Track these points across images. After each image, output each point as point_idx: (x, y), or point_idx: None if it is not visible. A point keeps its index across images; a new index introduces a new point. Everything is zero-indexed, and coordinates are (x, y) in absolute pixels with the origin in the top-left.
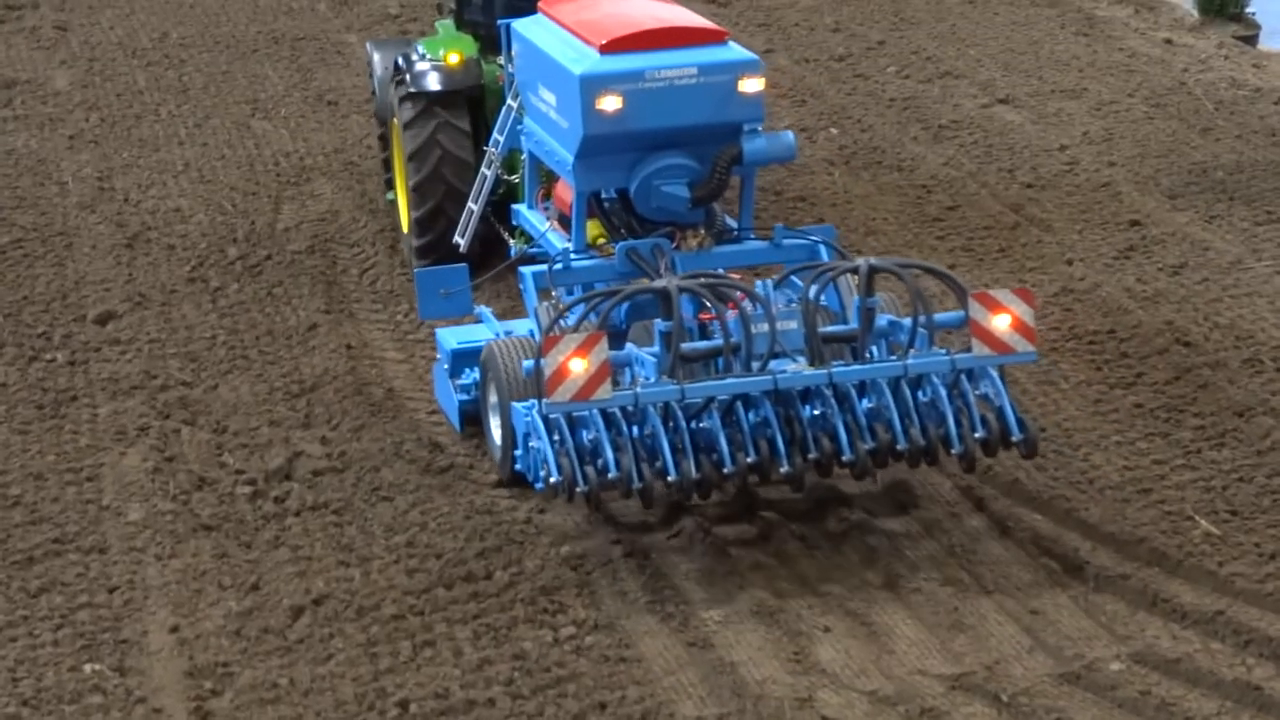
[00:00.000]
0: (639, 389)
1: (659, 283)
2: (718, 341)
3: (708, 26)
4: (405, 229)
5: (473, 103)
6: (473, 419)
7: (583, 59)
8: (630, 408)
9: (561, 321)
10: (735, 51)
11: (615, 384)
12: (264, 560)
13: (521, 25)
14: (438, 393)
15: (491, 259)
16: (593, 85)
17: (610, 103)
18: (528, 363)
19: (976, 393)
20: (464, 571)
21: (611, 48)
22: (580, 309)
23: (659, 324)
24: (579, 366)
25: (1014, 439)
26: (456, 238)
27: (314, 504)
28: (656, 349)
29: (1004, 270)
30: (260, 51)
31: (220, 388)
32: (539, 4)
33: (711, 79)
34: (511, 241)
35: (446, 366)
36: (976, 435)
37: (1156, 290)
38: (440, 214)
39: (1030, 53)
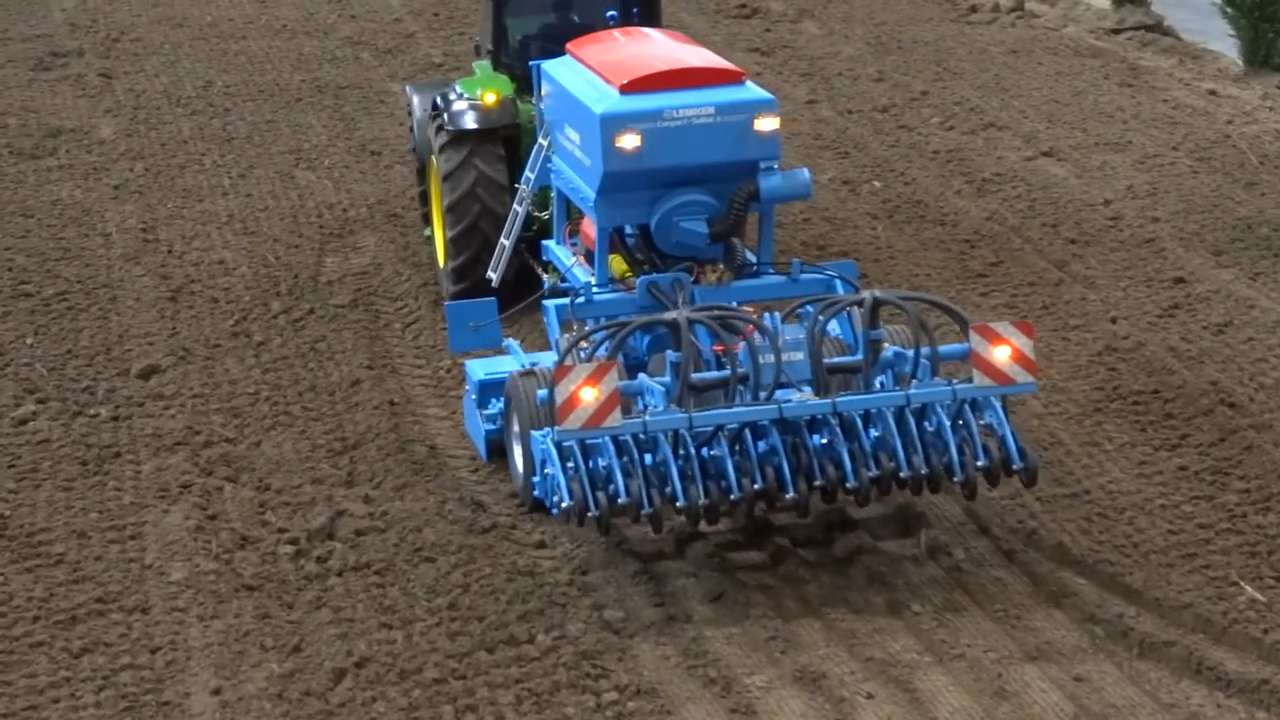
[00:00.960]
0: (648, 417)
1: (669, 314)
2: (725, 372)
3: (725, 67)
4: (441, 263)
5: (509, 142)
6: (499, 449)
7: (603, 99)
8: (640, 435)
9: (580, 353)
10: (751, 91)
11: (626, 412)
12: (306, 621)
13: (550, 66)
14: (466, 423)
15: (526, 294)
16: (612, 124)
17: (629, 141)
18: (541, 392)
19: (981, 423)
20: (506, 635)
21: (631, 88)
22: (597, 340)
23: (670, 354)
24: (589, 395)
25: (1015, 467)
26: (489, 272)
27: (356, 564)
28: (668, 379)
29: (1047, 328)
30: (304, 101)
31: (263, 444)
32: (567, 45)
33: (728, 118)
34: (544, 276)
35: (474, 397)
36: (979, 464)
37: (1201, 349)
38: (477, 264)
39: (1074, 104)
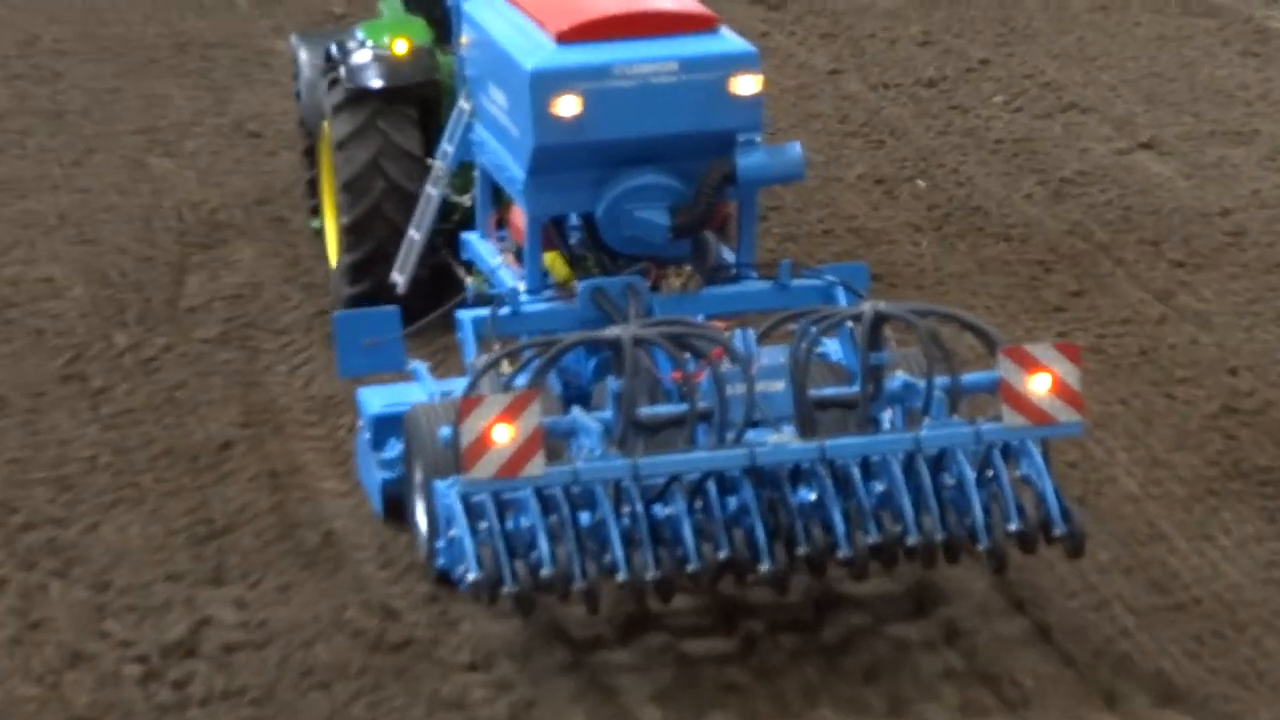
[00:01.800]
0: (580, 464)
1: (610, 331)
2: (682, 407)
3: (694, 11)
4: (333, 263)
5: (426, 105)
6: (400, 504)
7: (536, 50)
8: (572, 487)
9: (499, 380)
10: (727, 42)
11: (555, 458)
12: None
13: (473, 6)
14: (359, 469)
15: (442, 302)
16: (545, 83)
17: (567, 105)
18: (445, 430)
19: (1016, 474)
20: None
21: (572, 36)
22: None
23: (611, 383)
24: (504, 435)
25: (1056, 532)
26: (394, 275)
27: (225, 690)
28: (608, 414)
29: (1145, 380)
30: (161, 62)
31: (102, 527)
32: None
33: (696, 76)
34: (467, 280)
35: (368, 436)
36: (1010, 527)
37: None
38: (379, 258)
39: (1182, 79)
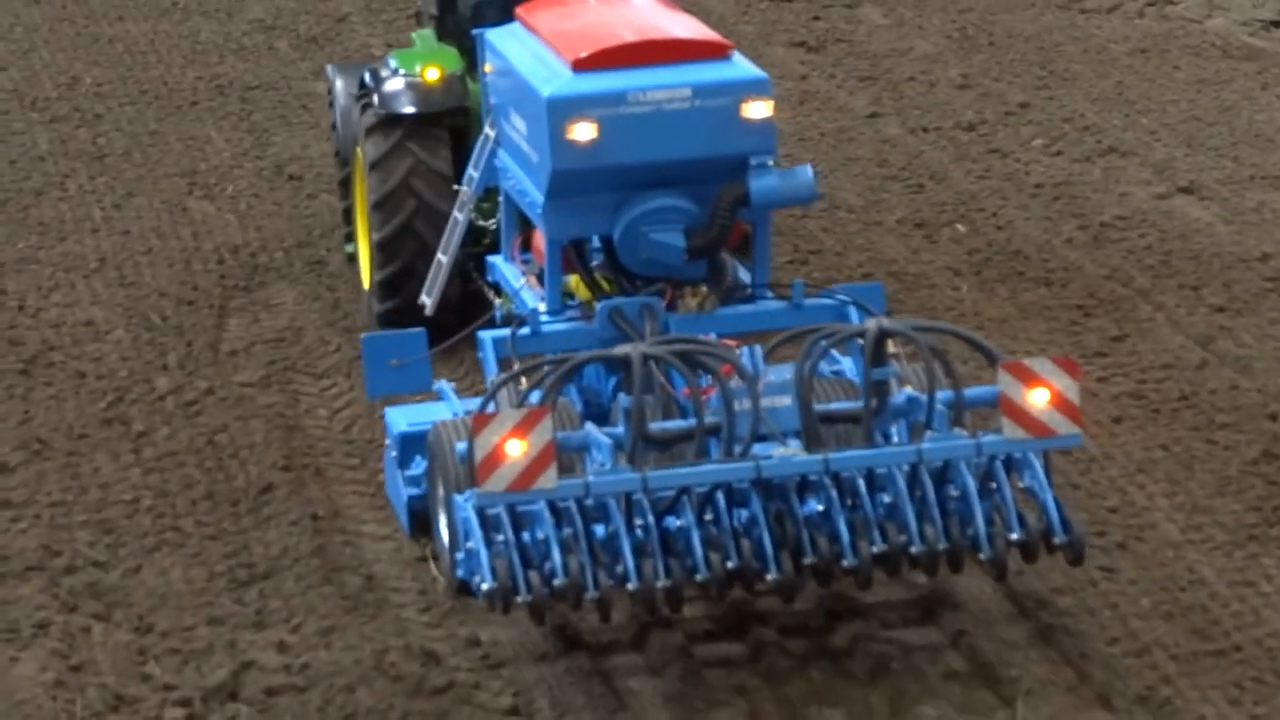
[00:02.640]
0: (590, 477)
1: (621, 349)
2: (690, 422)
3: (708, 39)
4: (366, 283)
5: (456, 132)
6: (425, 520)
7: (553, 78)
8: (585, 500)
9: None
10: (739, 69)
11: (570, 471)
12: None
13: (496, 35)
14: (388, 488)
15: (470, 324)
16: (562, 109)
17: (583, 131)
18: (460, 445)
19: (1020, 486)
20: None
21: (588, 64)
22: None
23: (623, 399)
24: (517, 450)
25: (1056, 541)
26: (422, 297)
27: None
28: (620, 429)
29: (1186, 426)
30: (201, 105)
31: (144, 571)
32: (517, 10)
33: (709, 102)
34: (496, 302)
35: (394, 454)
36: (1012, 536)
37: None
38: (410, 275)
39: (1222, 123)
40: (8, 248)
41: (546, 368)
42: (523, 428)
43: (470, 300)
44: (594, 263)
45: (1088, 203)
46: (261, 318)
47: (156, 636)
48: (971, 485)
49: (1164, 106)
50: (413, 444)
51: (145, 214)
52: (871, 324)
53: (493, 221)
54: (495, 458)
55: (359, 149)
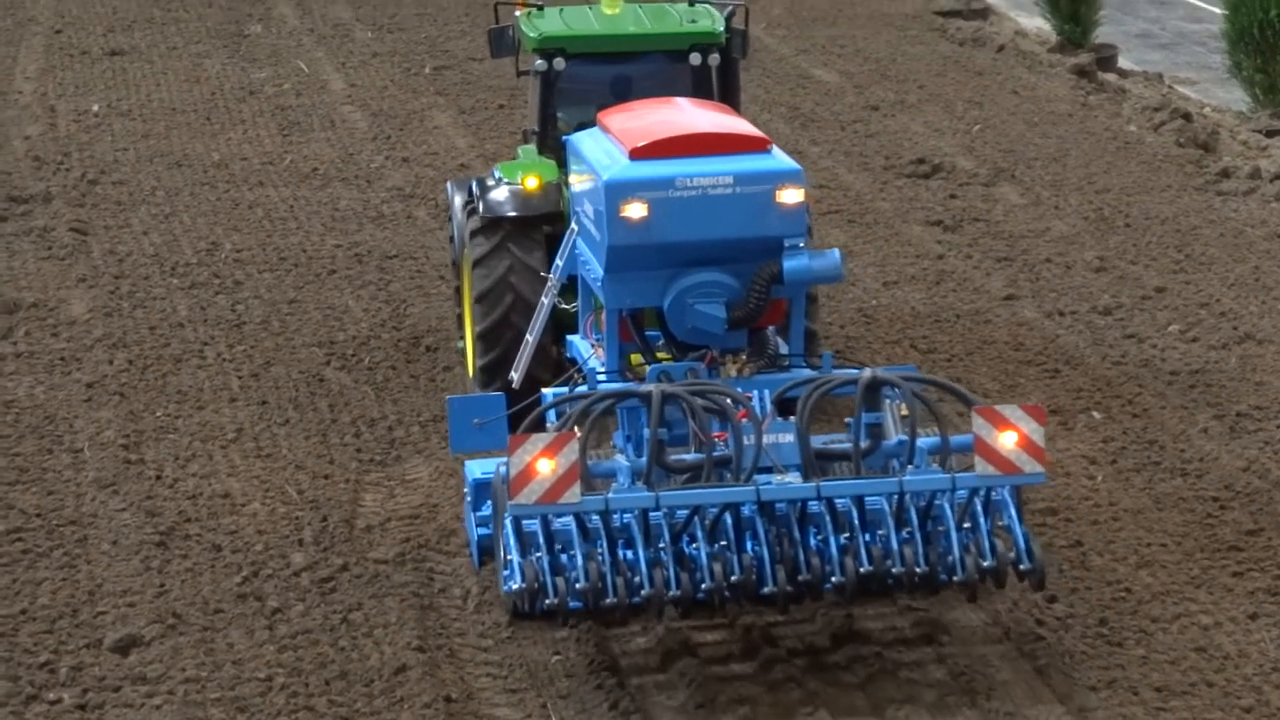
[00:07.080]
0: (610, 494)
1: (645, 387)
2: (701, 455)
3: (749, 133)
4: (470, 371)
5: (552, 236)
6: (492, 553)
7: (612, 165)
8: (606, 513)
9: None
10: (775, 160)
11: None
12: None
13: (577, 137)
14: (466, 525)
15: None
16: (618, 191)
17: (635, 210)
18: (502, 467)
19: (999, 524)
20: None
21: (643, 153)
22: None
23: (644, 431)
24: (546, 467)
25: (1022, 567)
26: (512, 373)
27: None
28: (642, 459)
29: None
30: (339, 273)
31: None
32: (598, 114)
33: (747, 189)
34: (577, 378)
35: (469, 499)
36: (984, 563)
37: None
38: (507, 362)
39: None
40: (146, 416)
41: (585, 401)
42: (552, 448)
43: (556, 376)
44: (657, 343)
45: (1224, 391)
46: (397, 493)
47: None
48: (950, 516)
49: None
50: (484, 490)
51: (283, 384)
52: (866, 373)
53: (572, 305)
54: (527, 474)
55: (465, 250)
